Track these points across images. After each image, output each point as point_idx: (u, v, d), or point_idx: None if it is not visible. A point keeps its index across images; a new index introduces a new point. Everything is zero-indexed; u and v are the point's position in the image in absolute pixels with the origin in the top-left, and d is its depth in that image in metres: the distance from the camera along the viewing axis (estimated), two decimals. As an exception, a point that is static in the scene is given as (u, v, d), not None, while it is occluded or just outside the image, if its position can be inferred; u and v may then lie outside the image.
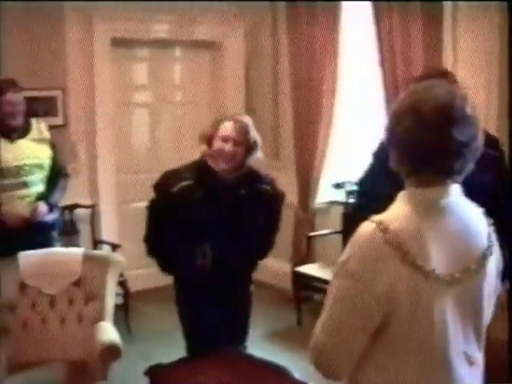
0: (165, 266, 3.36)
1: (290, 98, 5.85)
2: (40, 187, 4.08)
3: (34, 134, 4.07)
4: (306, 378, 3.00)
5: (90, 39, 5.35)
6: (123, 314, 4.97)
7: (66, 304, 3.67)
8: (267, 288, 5.52)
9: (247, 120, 3.25)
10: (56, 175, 4.20)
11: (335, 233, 5.48)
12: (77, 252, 3.86)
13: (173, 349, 3.48)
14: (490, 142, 2.60)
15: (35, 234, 3.95)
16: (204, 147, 3.22)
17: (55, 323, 3.64)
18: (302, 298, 5.39)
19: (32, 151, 4.02)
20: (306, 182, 5.78)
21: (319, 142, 5.62)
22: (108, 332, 3.49)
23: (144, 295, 5.68)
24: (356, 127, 5.74)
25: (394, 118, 1.69)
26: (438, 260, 1.64)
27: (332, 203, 5.79)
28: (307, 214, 5.81)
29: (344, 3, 5.36)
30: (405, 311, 1.63)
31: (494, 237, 1.77)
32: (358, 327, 1.67)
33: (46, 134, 4.14)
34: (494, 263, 1.77)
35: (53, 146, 4.18)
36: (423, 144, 1.63)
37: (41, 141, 4.09)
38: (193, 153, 5.53)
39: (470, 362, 1.74)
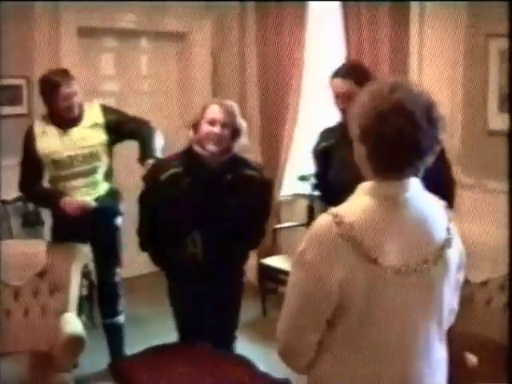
0: (157, 259, 3.39)
1: (257, 90, 5.88)
2: (96, 177, 3.99)
3: (86, 121, 3.93)
4: (270, 370, 3.04)
5: (56, 28, 5.30)
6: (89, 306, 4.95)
7: (30, 295, 3.66)
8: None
9: (233, 104, 3.26)
10: (139, 129, 3.99)
11: (300, 225, 5.53)
12: (41, 243, 3.84)
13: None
14: None
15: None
16: (190, 133, 3.24)
17: (19, 315, 3.63)
18: (268, 290, 5.44)
19: (84, 140, 3.90)
20: (272, 175, 5.79)
21: (285, 135, 5.66)
22: (72, 323, 3.49)
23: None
24: (321, 121, 5.77)
25: (378, 116, 1.67)
26: (393, 252, 1.68)
27: (297, 196, 5.83)
28: (273, 207, 5.83)
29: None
30: (359, 303, 1.67)
31: (453, 230, 1.81)
32: (312, 318, 1.72)
33: (99, 118, 3.96)
34: (456, 256, 1.80)
35: (106, 112, 4.01)
36: (411, 144, 1.66)
37: (94, 127, 3.94)
38: None
39: (431, 355, 1.77)
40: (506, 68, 4.00)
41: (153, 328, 4.87)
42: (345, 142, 2.42)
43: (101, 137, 3.96)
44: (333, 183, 3.43)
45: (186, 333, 3.41)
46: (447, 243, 1.77)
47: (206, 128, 3.14)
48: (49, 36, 5.27)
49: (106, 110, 4.04)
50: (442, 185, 1.91)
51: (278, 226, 5.75)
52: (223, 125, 3.15)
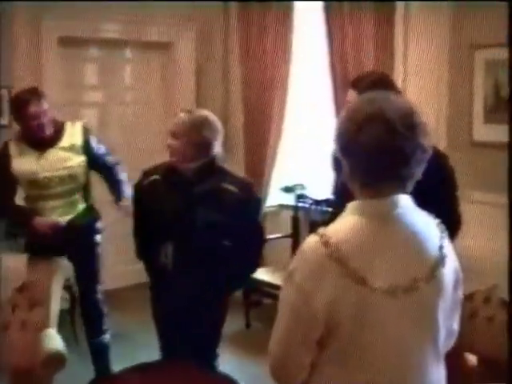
0: (145, 267, 3.34)
1: (241, 100, 5.85)
2: (74, 197, 3.95)
3: (64, 141, 3.85)
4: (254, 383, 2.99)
5: (37, 37, 5.24)
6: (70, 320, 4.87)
7: (9, 310, 3.57)
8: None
9: (200, 114, 3.12)
10: (109, 167, 4.04)
11: (285, 237, 5.49)
12: (20, 257, 3.76)
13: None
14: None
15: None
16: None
17: (-3, 330, 3.55)
18: (251, 302, 5.38)
19: (62, 162, 3.82)
20: (256, 185, 5.75)
21: (269, 146, 5.63)
22: (52, 339, 3.41)
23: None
24: (306, 131, 5.77)
25: (355, 126, 1.64)
26: (383, 271, 1.63)
27: (282, 207, 5.79)
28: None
29: (296, 4, 5.36)
30: (348, 324, 1.62)
31: (447, 248, 1.75)
32: (302, 338, 1.68)
33: (78, 139, 3.89)
34: (451, 275, 1.75)
35: (86, 134, 3.94)
36: (391, 152, 1.62)
37: (72, 148, 3.86)
38: (143, 154, 5.59)
39: (426, 377, 1.72)
40: (491, 79, 4.00)
41: (139, 341, 4.80)
42: None
43: (80, 158, 3.91)
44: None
45: (166, 347, 3.34)
46: (441, 262, 1.71)
47: (168, 140, 3.13)
48: (29, 46, 5.21)
49: (86, 132, 3.98)
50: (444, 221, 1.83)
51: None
52: (176, 136, 3.08)
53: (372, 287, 1.61)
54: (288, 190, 5.68)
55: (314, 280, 1.63)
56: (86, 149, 3.92)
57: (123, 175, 4.05)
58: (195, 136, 3.05)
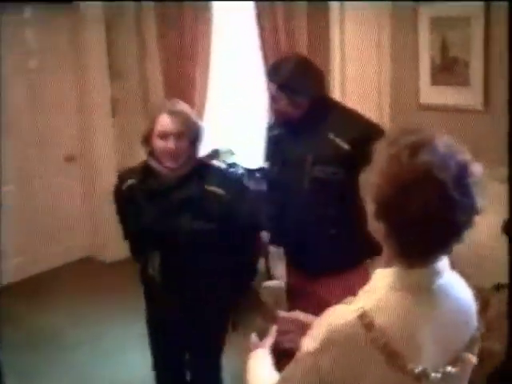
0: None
1: (159, 62, 5.40)
2: None
3: None
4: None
5: None
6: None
7: None
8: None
9: (183, 107, 2.75)
10: None
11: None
12: None
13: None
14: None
15: None
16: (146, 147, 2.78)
17: None
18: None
19: None
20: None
21: (195, 102, 5.15)
22: None
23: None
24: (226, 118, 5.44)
25: (398, 191, 1.30)
26: (428, 353, 1.35)
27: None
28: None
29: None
30: None
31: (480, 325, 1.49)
32: None
33: None
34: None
35: None
36: (443, 224, 1.30)
37: None
38: (50, 120, 5.09)
39: None
40: (437, 37, 3.71)
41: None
42: None
43: None
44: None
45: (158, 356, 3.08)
46: (476, 341, 1.45)
47: (159, 143, 2.68)
48: None
49: None
50: None
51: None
52: (178, 136, 2.66)
53: (419, 378, 1.33)
54: (216, 155, 5.31)
55: (352, 371, 1.32)
56: None
57: None
58: (193, 132, 2.73)
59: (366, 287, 1.41)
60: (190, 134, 2.71)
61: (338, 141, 2.68)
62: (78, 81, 5.70)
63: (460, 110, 3.69)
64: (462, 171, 1.31)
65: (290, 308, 2.52)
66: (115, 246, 5.74)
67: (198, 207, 2.68)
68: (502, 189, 3.26)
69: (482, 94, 3.57)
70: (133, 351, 4.19)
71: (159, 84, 5.46)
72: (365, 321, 1.30)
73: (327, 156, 2.69)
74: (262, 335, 1.78)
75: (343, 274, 2.73)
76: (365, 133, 2.58)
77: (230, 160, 5.23)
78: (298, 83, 2.69)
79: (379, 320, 1.31)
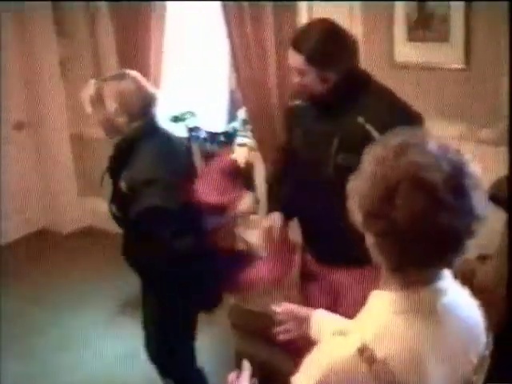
0: None
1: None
2: None
3: None
4: None
5: None
6: None
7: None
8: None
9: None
10: None
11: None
12: None
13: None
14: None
15: None
16: None
17: None
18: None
19: None
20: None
21: (150, 69, 4.85)
22: None
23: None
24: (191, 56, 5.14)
25: (382, 192, 1.16)
26: (435, 377, 1.21)
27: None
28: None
29: None
30: None
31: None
32: None
33: None
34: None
35: None
36: (436, 231, 1.14)
37: None
38: None
39: None
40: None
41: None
42: None
43: None
44: None
45: None
46: (485, 360, 1.33)
47: None
48: None
49: None
50: None
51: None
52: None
53: None
54: (177, 119, 5.05)
55: None
56: None
57: None
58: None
59: (363, 312, 1.29)
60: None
61: (368, 127, 2.36)
62: (23, 40, 5.33)
63: (438, 68, 3.50)
64: (456, 172, 1.17)
65: (302, 294, 2.39)
66: (70, 217, 5.56)
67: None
68: (487, 151, 3.11)
69: (463, 50, 3.38)
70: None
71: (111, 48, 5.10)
72: (365, 354, 1.17)
73: (352, 143, 2.31)
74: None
75: (359, 268, 2.46)
76: (401, 121, 2.11)
77: (192, 123, 4.97)
78: (329, 55, 2.37)
79: (380, 351, 1.18)
